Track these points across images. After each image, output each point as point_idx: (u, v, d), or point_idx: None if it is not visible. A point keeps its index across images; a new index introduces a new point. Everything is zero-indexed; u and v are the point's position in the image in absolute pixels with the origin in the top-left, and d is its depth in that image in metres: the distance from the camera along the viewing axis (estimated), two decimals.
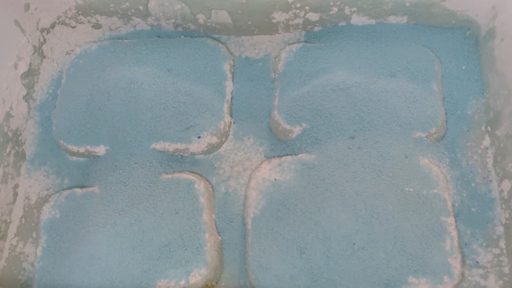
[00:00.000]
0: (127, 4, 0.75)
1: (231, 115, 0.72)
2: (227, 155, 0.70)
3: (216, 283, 0.63)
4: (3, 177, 0.69)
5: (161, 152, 0.68)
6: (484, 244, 0.63)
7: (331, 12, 0.73)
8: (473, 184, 0.66)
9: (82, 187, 0.68)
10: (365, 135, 0.66)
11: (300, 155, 0.66)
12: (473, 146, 0.68)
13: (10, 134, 0.71)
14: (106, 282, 0.60)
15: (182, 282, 0.60)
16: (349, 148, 0.65)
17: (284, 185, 0.64)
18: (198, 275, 0.60)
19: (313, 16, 0.74)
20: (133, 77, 0.70)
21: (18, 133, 0.73)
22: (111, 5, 0.76)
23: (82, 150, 0.69)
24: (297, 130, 0.68)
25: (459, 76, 0.72)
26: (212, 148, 0.70)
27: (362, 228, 0.60)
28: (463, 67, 0.72)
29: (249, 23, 0.75)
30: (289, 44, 0.75)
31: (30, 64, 0.76)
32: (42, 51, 0.79)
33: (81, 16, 0.79)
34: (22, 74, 0.74)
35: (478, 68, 0.72)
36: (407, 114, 0.66)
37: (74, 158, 0.72)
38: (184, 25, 0.77)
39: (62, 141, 0.70)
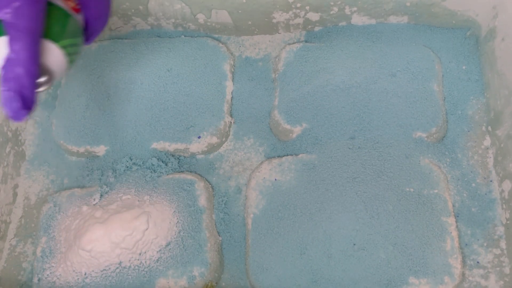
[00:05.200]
0: (127, 4, 0.75)
1: (231, 115, 0.72)
2: (227, 155, 0.70)
3: (216, 283, 0.63)
4: (3, 177, 0.69)
5: (161, 152, 0.68)
6: (485, 244, 0.63)
7: (331, 12, 0.73)
8: (473, 184, 0.66)
9: (82, 187, 0.68)
10: (365, 135, 0.66)
11: (300, 155, 0.66)
12: (473, 146, 0.68)
13: (9, 134, 0.71)
14: (106, 282, 0.60)
15: (182, 283, 0.60)
16: (349, 148, 0.65)
17: (284, 185, 0.64)
18: (198, 275, 0.60)
19: (314, 16, 0.74)
20: (133, 77, 0.70)
21: (18, 133, 0.73)
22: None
23: (82, 150, 0.69)
24: (297, 130, 0.68)
25: (459, 76, 0.72)
26: (212, 148, 0.70)
27: (363, 229, 0.60)
28: (464, 67, 0.72)
29: (249, 23, 0.75)
30: (289, 44, 0.75)
31: None
32: None
33: None
34: None
35: (478, 68, 0.72)
36: (408, 114, 0.66)
37: (74, 158, 0.72)
38: (184, 25, 0.77)
39: (62, 141, 0.70)
